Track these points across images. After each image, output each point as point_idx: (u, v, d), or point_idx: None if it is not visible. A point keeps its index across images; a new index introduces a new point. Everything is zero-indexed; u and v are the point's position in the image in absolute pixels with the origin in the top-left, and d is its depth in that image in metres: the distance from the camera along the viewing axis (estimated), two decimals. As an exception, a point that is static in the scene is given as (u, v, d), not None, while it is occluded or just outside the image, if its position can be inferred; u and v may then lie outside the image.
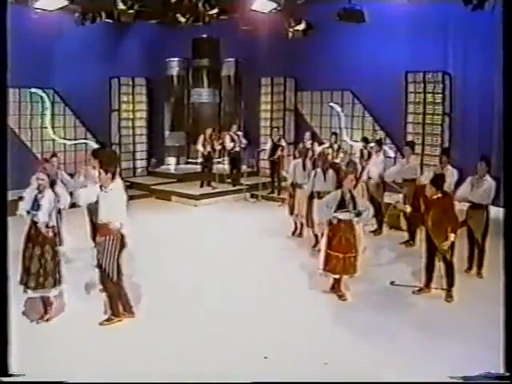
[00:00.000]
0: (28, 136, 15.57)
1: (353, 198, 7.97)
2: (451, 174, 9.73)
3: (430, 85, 14.31)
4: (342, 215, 7.89)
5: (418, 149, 14.40)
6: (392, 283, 8.52)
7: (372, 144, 13.29)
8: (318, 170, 10.30)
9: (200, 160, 16.49)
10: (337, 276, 8.06)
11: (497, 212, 8.68)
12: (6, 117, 4.70)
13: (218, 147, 16.26)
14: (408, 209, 8.86)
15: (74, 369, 5.76)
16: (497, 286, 4.78)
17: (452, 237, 7.73)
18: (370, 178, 11.69)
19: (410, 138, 14.64)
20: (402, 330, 6.93)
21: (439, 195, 7.87)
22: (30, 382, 4.90)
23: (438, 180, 8.06)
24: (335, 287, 8.14)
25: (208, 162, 16.11)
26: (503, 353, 4.46)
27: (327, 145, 14.72)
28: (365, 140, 14.30)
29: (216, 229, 12.11)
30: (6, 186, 4.72)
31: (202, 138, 16.04)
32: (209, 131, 16.11)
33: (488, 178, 8.78)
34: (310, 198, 10.32)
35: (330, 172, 10.16)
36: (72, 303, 7.53)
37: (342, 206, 7.88)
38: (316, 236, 10.20)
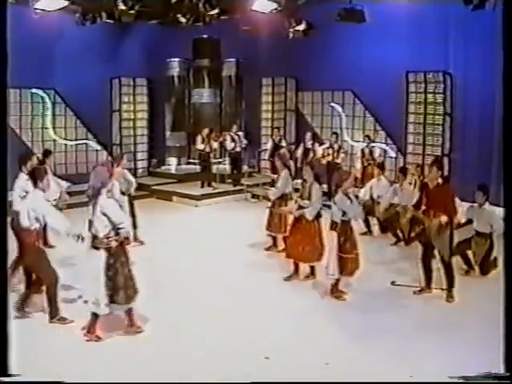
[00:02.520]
0: (29, 136, 15.60)
1: (350, 199, 7.97)
2: None
3: (430, 85, 14.28)
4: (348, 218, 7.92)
5: (418, 149, 14.44)
6: (393, 283, 8.51)
7: (373, 144, 13.33)
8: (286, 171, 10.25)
9: (197, 160, 16.54)
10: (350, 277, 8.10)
11: (497, 212, 8.66)
12: (6, 117, 4.70)
13: (215, 146, 16.27)
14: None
15: (74, 369, 5.76)
16: (497, 285, 4.77)
17: (443, 219, 7.68)
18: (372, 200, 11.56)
19: (411, 138, 14.64)
20: (402, 330, 6.92)
21: (439, 181, 7.88)
22: (29, 381, 4.90)
23: (437, 162, 8.10)
24: (334, 289, 8.12)
25: (206, 162, 16.11)
26: (503, 353, 4.46)
27: (327, 145, 14.72)
28: (367, 138, 14.29)
29: (217, 229, 12.12)
30: (6, 186, 4.72)
31: (199, 137, 16.03)
32: (206, 131, 16.11)
33: (487, 206, 8.75)
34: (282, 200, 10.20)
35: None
36: (71, 304, 7.56)
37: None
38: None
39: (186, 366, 5.99)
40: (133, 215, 10.11)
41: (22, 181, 7.72)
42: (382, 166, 12.57)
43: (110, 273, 6.35)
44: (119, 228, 6.35)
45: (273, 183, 15.61)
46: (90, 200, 6.52)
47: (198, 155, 16.34)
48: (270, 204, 10.59)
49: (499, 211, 7.61)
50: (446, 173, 13.20)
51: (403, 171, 11.62)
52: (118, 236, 6.37)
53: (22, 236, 6.80)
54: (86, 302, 6.55)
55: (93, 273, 6.38)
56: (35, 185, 6.79)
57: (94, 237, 6.39)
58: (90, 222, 6.44)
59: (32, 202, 6.72)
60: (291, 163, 11.42)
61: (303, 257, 8.73)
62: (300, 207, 8.74)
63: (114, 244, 6.35)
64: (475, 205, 8.86)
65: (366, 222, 11.47)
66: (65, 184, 10.42)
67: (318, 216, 8.65)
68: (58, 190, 9.72)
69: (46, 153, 10.69)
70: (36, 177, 6.83)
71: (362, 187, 11.97)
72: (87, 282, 6.52)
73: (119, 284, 6.40)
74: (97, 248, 6.38)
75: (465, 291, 8.00)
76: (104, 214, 6.29)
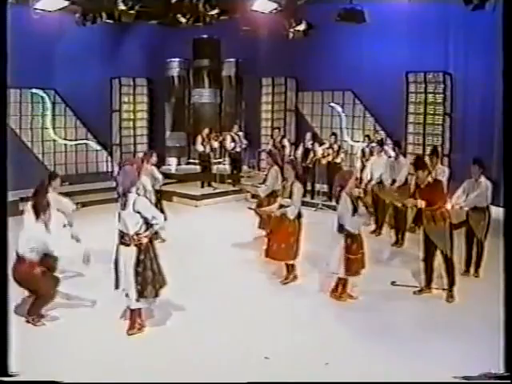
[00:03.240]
0: (29, 137, 15.62)
1: (356, 198, 7.91)
2: (442, 172, 9.70)
3: (430, 85, 14.30)
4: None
5: (418, 149, 14.44)
6: (393, 283, 8.50)
7: (374, 144, 13.32)
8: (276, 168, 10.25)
9: (198, 160, 16.54)
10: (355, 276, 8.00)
11: (497, 212, 8.66)
12: (6, 117, 4.70)
13: (216, 146, 16.27)
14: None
15: (74, 369, 5.76)
16: (497, 285, 4.78)
17: (419, 203, 7.77)
18: (371, 179, 11.64)
19: (410, 138, 14.66)
20: (401, 331, 6.92)
21: (430, 180, 7.89)
22: (29, 381, 4.90)
23: (418, 161, 8.21)
24: (339, 289, 8.02)
25: (206, 162, 16.11)
26: (503, 353, 4.46)
27: (327, 145, 14.72)
28: (367, 138, 14.28)
29: (217, 229, 12.11)
30: (6, 186, 4.72)
31: (200, 138, 16.03)
32: (206, 131, 16.12)
33: (482, 179, 8.77)
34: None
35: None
36: (70, 303, 7.57)
37: (355, 210, 7.72)
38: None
39: (184, 365, 6.00)
40: (162, 211, 10.06)
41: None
42: (381, 143, 12.61)
43: (139, 268, 6.52)
44: (153, 224, 6.55)
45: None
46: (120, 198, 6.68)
47: (199, 155, 16.34)
48: (253, 205, 10.53)
49: (499, 211, 7.62)
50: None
51: (398, 144, 11.70)
52: (148, 232, 6.55)
53: (18, 261, 6.77)
54: (126, 295, 6.70)
55: (125, 268, 6.57)
56: (37, 217, 6.80)
57: (123, 234, 6.56)
58: (120, 219, 6.58)
59: (31, 233, 6.75)
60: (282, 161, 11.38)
61: (278, 254, 8.61)
62: (281, 206, 8.63)
63: (144, 240, 6.54)
64: (471, 180, 8.87)
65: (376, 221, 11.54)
66: (70, 206, 9.97)
67: (299, 216, 8.55)
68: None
69: (52, 176, 10.23)
70: (39, 210, 6.84)
71: (364, 188, 11.98)
72: (122, 277, 6.66)
73: (148, 279, 6.58)
74: (127, 245, 6.53)
75: (465, 291, 8.00)
76: (137, 212, 6.44)
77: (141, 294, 6.59)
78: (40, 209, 6.87)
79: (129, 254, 6.52)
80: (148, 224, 6.52)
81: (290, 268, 8.77)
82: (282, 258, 8.68)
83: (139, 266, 6.52)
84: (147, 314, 6.99)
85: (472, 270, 9.03)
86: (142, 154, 10.69)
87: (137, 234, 6.48)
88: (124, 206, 6.50)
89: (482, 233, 8.86)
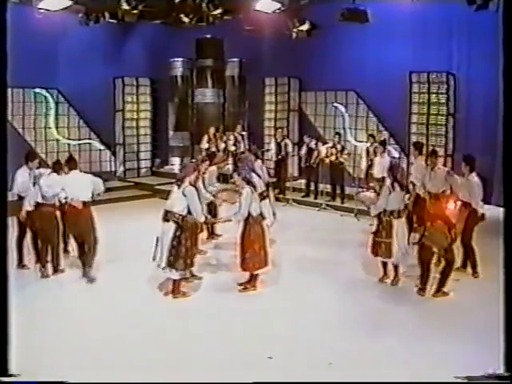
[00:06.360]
0: (32, 136, 15.67)
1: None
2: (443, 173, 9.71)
3: (434, 85, 14.25)
4: None
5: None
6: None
7: (377, 144, 13.33)
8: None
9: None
10: None
11: (497, 212, 8.65)
12: (6, 117, 4.70)
13: (222, 146, 16.26)
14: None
15: (74, 368, 5.75)
16: (497, 285, 4.77)
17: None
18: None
19: (414, 138, 14.60)
20: (401, 330, 6.92)
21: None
22: (29, 382, 4.90)
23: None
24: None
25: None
26: (503, 353, 4.45)
27: (331, 144, 14.70)
28: (371, 137, 14.27)
29: (220, 228, 12.09)
30: (6, 185, 4.72)
31: (206, 137, 16.03)
32: (212, 130, 16.10)
33: (471, 177, 8.79)
34: None
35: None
36: (71, 302, 7.59)
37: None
38: None
39: (190, 365, 6.01)
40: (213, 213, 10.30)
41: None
42: (384, 143, 12.62)
43: (174, 242, 7.63)
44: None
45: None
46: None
47: (206, 154, 16.25)
48: None
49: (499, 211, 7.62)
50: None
51: (434, 153, 11.51)
52: (188, 216, 7.72)
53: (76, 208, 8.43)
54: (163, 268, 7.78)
55: (164, 241, 7.75)
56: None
57: (166, 212, 7.85)
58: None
59: (66, 182, 8.57)
60: (258, 163, 11.29)
61: (244, 265, 8.24)
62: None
63: (179, 218, 7.69)
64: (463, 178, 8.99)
65: None
66: None
67: (262, 219, 8.25)
68: None
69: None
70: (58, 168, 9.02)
71: (367, 188, 11.99)
72: (160, 251, 7.79)
73: (180, 253, 7.63)
74: (167, 220, 7.79)
75: (464, 291, 7.99)
76: (184, 195, 7.77)
77: (172, 265, 7.62)
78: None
79: (167, 228, 7.68)
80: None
81: (254, 276, 8.44)
82: (246, 268, 8.28)
83: (174, 240, 7.61)
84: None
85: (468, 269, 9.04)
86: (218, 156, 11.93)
87: (179, 213, 7.66)
88: (178, 188, 7.96)
89: (459, 228, 8.73)
